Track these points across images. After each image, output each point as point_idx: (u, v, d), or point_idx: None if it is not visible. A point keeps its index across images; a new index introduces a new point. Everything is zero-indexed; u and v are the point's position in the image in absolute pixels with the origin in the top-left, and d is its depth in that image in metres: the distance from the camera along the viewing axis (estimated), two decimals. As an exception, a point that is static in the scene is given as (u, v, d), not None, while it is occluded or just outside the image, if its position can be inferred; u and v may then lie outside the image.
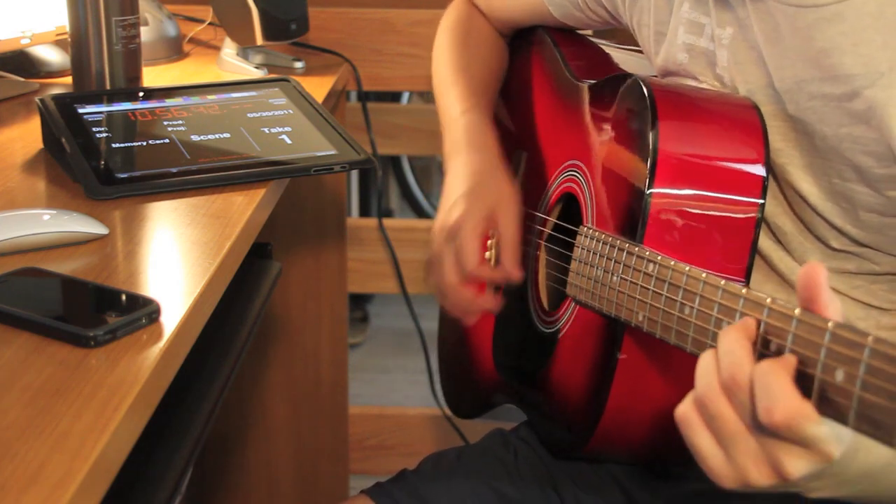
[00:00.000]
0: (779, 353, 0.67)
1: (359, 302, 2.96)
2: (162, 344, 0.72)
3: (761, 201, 0.90)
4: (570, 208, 1.11)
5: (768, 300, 0.69)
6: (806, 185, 0.94)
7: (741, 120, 0.93)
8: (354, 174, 3.01)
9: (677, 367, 0.91)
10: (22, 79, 1.38)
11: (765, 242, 0.98)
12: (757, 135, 0.92)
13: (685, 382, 0.91)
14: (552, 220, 1.14)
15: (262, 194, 1.02)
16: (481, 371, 1.26)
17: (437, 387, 1.61)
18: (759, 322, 0.69)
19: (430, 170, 3.57)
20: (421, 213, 3.33)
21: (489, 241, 1.21)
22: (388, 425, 2.11)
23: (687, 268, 0.80)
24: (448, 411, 1.39)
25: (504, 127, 1.29)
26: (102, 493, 0.61)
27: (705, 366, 0.70)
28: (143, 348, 0.72)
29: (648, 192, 0.90)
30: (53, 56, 1.46)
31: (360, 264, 1.99)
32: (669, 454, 1.00)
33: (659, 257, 0.85)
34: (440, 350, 1.42)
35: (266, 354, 1.91)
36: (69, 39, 1.25)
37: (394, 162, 3.27)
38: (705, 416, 0.69)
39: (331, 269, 1.88)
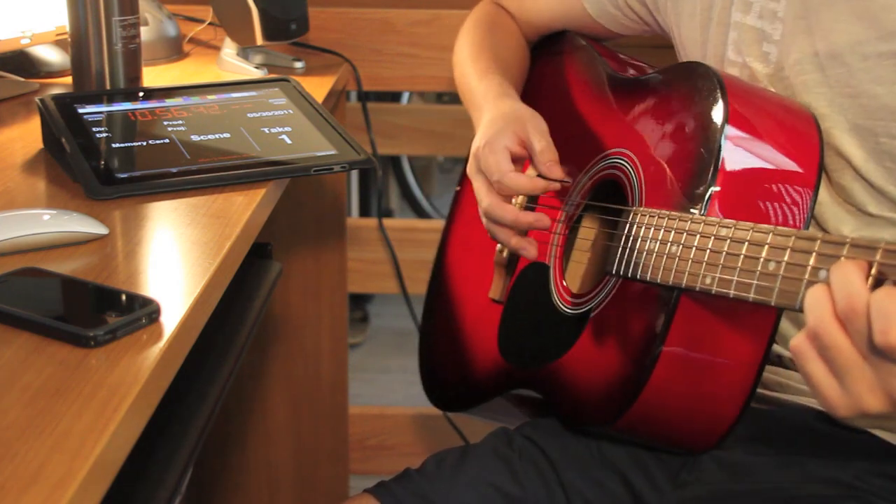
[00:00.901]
0: None
1: (359, 302, 2.96)
2: (162, 344, 0.72)
3: (813, 193, 0.93)
4: (604, 196, 1.12)
5: (882, 243, 0.71)
6: (851, 147, 0.98)
7: (800, 127, 0.97)
8: (354, 174, 3.01)
9: (725, 343, 0.93)
10: (22, 79, 1.38)
11: None
12: (813, 143, 0.95)
13: (732, 359, 0.93)
14: (594, 203, 1.15)
15: (262, 194, 1.02)
16: (481, 360, 1.25)
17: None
18: (870, 263, 0.70)
19: (430, 170, 3.57)
20: (421, 213, 3.33)
21: (514, 201, 1.20)
22: (388, 425, 2.11)
23: (771, 227, 0.82)
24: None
25: None
26: (102, 493, 0.61)
27: (817, 299, 0.71)
28: (143, 348, 0.72)
29: (711, 188, 0.92)
30: (53, 56, 1.46)
31: (360, 264, 1.98)
32: (700, 434, 1.01)
33: (734, 221, 0.86)
34: (424, 345, 1.41)
35: (266, 354, 1.91)
36: (69, 39, 1.25)
37: (394, 162, 3.27)
38: (819, 346, 0.71)
39: (331, 269, 1.88)
